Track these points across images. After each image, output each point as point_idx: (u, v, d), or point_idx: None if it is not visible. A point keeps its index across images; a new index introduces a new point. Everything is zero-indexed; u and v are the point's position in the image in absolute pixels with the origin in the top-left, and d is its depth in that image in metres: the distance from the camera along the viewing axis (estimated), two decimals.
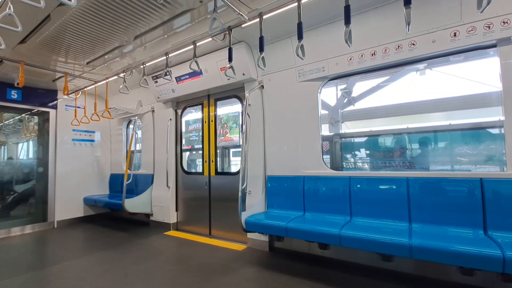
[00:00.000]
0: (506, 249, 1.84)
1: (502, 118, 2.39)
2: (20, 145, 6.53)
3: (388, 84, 4.56)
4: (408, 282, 2.61)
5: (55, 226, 5.26)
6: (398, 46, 2.78)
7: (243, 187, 3.28)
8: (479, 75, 3.62)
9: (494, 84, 2.78)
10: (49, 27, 3.15)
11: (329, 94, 4.88)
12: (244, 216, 3.18)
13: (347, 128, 4.67)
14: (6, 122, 6.15)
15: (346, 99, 4.80)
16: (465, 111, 3.79)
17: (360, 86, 4.77)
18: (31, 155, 6.16)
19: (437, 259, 2.03)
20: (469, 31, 2.42)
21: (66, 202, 5.46)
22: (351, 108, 4.84)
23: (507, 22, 2.29)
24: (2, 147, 6.53)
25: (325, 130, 4.68)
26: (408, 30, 2.11)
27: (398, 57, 2.79)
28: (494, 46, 2.43)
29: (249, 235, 3.75)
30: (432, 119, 4.11)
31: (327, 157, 3.86)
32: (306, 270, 2.98)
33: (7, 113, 5.73)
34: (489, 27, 2.35)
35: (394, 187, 2.79)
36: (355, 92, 4.78)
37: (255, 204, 3.59)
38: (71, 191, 5.55)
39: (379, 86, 4.64)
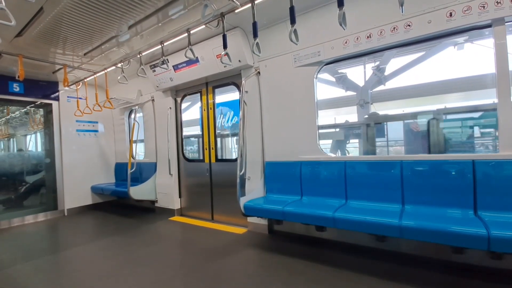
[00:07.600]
0: (491, 228, 1.90)
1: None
2: (28, 137, 6.70)
3: (423, 61, 4.17)
4: (402, 260, 2.71)
5: (66, 214, 5.50)
6: (394, 28, 2.72)
7: (241, 173, 3.36)
8: None
9: None
10: (44, 19, 3.15)
11: (357, 74, 4.52)
12: (243, 201, 3.28)
13: (374, 109, 4.31)
14: (13, 115, 6.30)
15: (377, 78, 4.43)
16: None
17: (393, 63, 4.29)
18: (39, 147, 6.33)
19: (426, 239, 2.11)
20: (465, 10, 2.36)
21: (75, 191, 5.66)
22: (381, 88, 4.48)
23: (500, 2, 2.24)
24: (12, 139, 6.73)
25: (353, 113, 4.32)
26: (402, 12, 2.07)
27: (394, 39, 2.75)
28: (489, 26, 2.37)
29: (250, 219, 3.87)
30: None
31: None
32: (304, 251, 3.09)
33: (12, 106, 5.84)
34: (483, 7, 2.29)
35: (388, 170, 2.84)
36: (388, 70, 4.35)
37: (254, 189, 3.69)
38: (79, 180, 5.73)
39: (413, 62, 4.27)
